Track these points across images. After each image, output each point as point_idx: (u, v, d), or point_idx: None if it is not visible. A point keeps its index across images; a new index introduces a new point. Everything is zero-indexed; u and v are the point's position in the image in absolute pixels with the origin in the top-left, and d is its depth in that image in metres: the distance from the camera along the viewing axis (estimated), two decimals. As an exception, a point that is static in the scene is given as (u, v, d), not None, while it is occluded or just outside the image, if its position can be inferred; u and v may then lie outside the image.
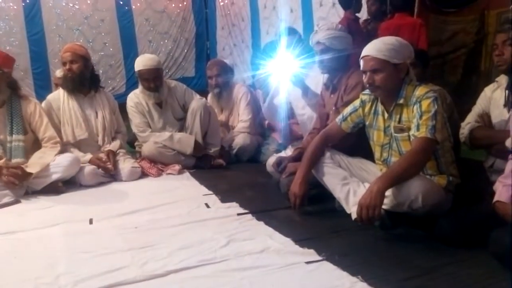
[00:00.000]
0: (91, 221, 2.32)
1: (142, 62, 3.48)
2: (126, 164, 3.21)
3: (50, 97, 3.32)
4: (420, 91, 2.04)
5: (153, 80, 3.45)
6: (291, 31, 3.38)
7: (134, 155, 3.55)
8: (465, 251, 1.79)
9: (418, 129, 1.98)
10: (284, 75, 2.99)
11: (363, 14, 4.30)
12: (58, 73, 3.97)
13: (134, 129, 3.57)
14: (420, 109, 1.99)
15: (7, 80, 2.93)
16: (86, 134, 3.22)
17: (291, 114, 3.35)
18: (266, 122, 3.79)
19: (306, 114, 3.13)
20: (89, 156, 3.13)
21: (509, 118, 2.19)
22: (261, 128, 3.89)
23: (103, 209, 2.50)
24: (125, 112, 3.59)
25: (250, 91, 4.00)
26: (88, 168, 3.03)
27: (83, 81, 3.24)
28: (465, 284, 1.58)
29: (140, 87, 3.57)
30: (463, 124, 2.46)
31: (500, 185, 1.76)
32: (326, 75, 2.74)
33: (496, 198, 1.74)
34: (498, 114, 2.30)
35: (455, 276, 1.63)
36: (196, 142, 3.45)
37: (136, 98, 3.57)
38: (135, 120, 3.55)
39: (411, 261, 1.76)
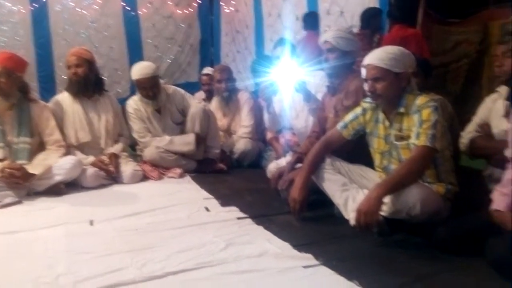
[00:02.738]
0: (91, 223, 2.34)
1: (138, 71, 3.48)
2: (128, 167, 3.23)
3: (55, 99, 3.36)
4: (421, 100, 2.05)
5: (150, 88, 3.46)
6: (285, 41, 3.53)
7: (135, 158, 3.57)
8: (462, 258, 1.79)
9: (418, 138, 2.00)
10: (285, 83, 3.01)
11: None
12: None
13: (135, 135, 3.57)
14: (420, 118, 2.01)
15: (19, 84, 2.94)
16: (89, 137, 3.25)
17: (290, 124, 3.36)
18: (269, 137, 3.67)
19: (300, 123, 3.16)
20: (91, 158, 3.16)
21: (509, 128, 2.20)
22: (262, 134, 3.91)
23: (104, 211, 2.52)
24: (127, 116, 3.61)
25: (252, 97, 4.03)
26: (90, 170, 3.06)
27: (88, 84, 3.27)
28: (460, 291, 1.59)
29: (138, 94, 3.58)
30: (463, 133, 2.47)
31: (497, 193, 1.78)
32: (327, 80, 2.76)
33: (493, 207, 1.75)
34: (498, 124, 2.32)
35: (451, 283, 1.64)
36: (196, 135, 3.46)
37: (135, 104, 3.57)
38: (135, 126, 3.56)
39: (408, 267, 1.77)
